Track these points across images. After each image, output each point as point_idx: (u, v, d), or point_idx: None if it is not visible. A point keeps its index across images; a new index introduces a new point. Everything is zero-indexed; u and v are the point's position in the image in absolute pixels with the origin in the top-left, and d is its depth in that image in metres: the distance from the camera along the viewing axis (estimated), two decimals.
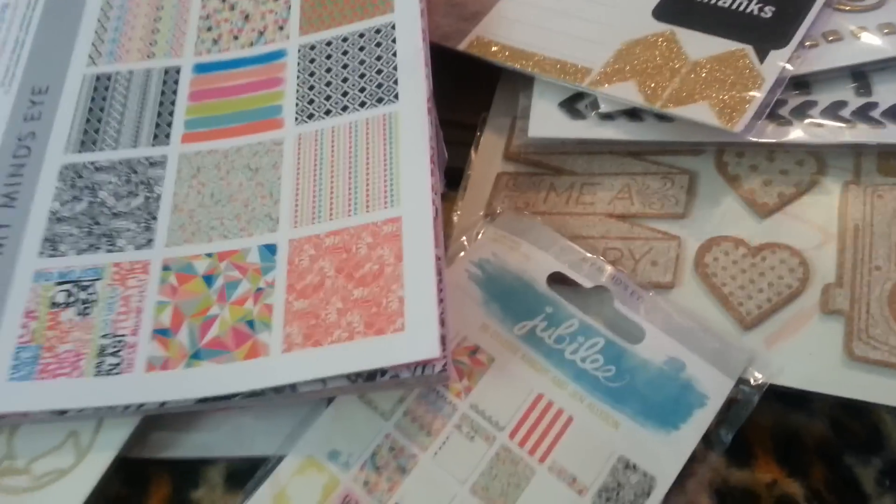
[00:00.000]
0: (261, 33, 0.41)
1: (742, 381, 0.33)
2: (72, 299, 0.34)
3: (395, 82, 0.37)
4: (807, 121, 0.38)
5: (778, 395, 0.33)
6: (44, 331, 0.34)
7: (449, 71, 0.42)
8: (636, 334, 0.34)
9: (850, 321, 0.34)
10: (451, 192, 0.41)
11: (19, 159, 0.38)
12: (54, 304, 0.34)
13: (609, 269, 0.36)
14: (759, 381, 0.33)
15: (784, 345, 0.34)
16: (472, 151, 0.42)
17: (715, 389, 0.32)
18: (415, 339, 0.31)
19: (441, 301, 0.32)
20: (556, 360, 0.33)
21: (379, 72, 0.38)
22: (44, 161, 0.38)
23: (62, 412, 0.32)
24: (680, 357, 0.33)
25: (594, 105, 0.40)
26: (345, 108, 0.38)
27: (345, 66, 0.39)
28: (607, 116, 0.39)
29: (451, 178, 0.40)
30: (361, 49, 0.39)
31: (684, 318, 0.34)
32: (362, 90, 0.38)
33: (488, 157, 0.41)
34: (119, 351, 0.33)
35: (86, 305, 0.34)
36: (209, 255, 0.35)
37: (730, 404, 0.33)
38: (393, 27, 0.39)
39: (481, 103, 0.44)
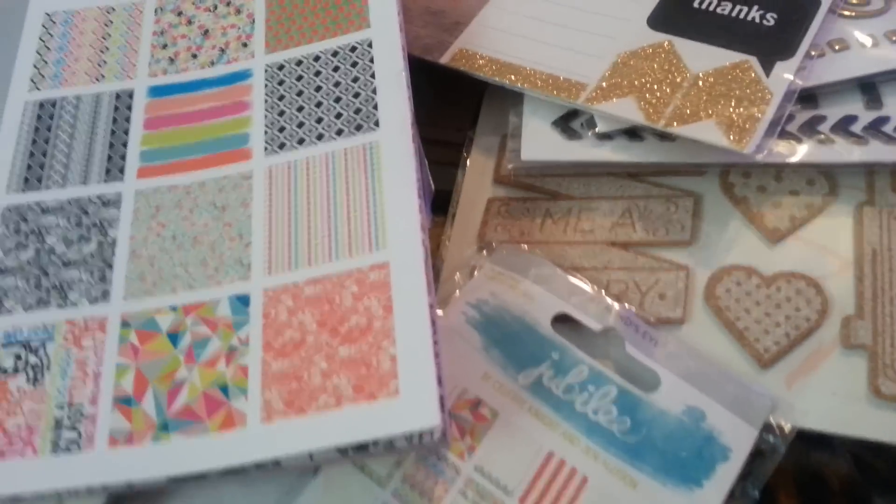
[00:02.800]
0: (222, 51, 0.36)
1: (766, 429, 0.29)
2: (21, 364, 0.29)
3: (375, 107, 0.33)
4: (816, 137, 0.34)
5: (798, 434, 0.30)
6: None
7: (430, 83, 0.38)
8: (650, 381, 0.30)
9: (874, 356, 0.31)
10: (437, 217, 0.37)
11: None
12: (2, 371, 0.29)
13: (617, 307, 0.32)
14: (786, 430, 0.29)
15: (805, 383, 0.31)
16: (460, 174, 0.37)
17: (738, 440, 0.29)
18: (411, 406, 0.26)
19: (437, 356, 0.27)
20: (566, 412, 0.29)
21: (356, 95, 0.33)
22: None
23: (16, 498, 0.27)
24: (699, 405, 0.30)
25: (590, 123, 0.36)
26: (320, 137, 0.33)
27: (318, 89, 0.34)
28: (605, 136, 0.35)
29: (437, 200, 0.36)
30: (336, 69, 0.34)
31: (701, 361, 0.31)
32: (338, 116, 0.33)
33: (477, 180, 0.37)
34: (77, 424, 0.28)
35: (36, 371, 0.29)
36: (173, 308, 0.30)
37: (754, 455, 0.29)
38: (370, 45, 0.34)
39: (465, 118, 0.40)
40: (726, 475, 0.28)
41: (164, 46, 0.37)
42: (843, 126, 0.35)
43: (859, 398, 0.30)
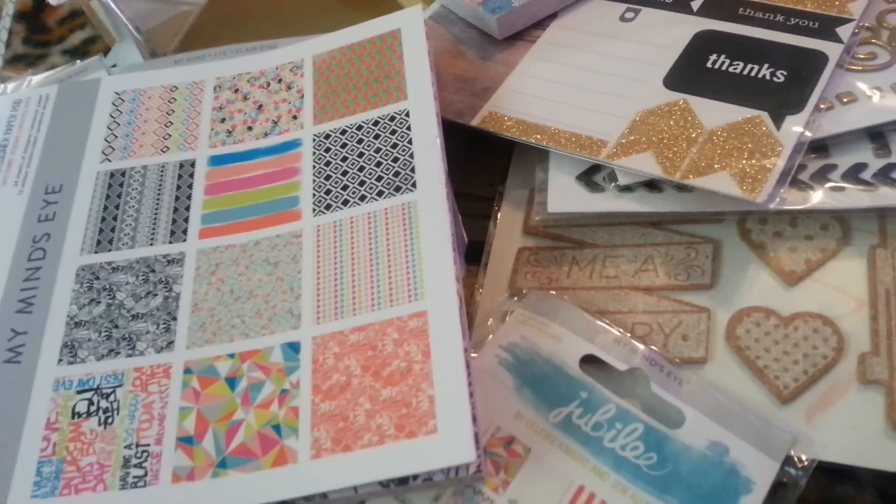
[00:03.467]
0: (275, 123, 0.39)
1: (787, 462, 0.30)
2: (93, 408, 0.32)
3: (412, 170, 0.35)
4: (828, 185, 0.36)
5: (821, 467, 0.31)
6: (65, 443, 0.31)
7: (463, 143, 0.40)
8: (675, 417, 0.32)
9: (891, 391, 0.32)
10: (471, 266, 0.39)
11: (35, 262, 0.36)
12: (76, 414, 0.32)
13: (642, 348, 0.33)
14: (806, 463, 0.30)
15: (824, 418, 0.32)
16: (492, 226, 0.40)
17: (760, 473, 0.30)
18: (449, 442, 0.28)
19: (471, 396, 0.29)
20: (595, 448, 0.31)
21: (395, 160, 0.36)
22: (60, 263, 0.36)
23: None
24: (722, 441, 0.31)
25: (612, 177, 0.38)
26: (363, 198, 0.36)
27: (360, 155, 0.37)
28: (626, 188, 0.37)
29: (470, 250, 0.38)
30: (376, 137, 0.37)
31: (723, 398, 0.32)
32: (379, 179, 0.36)
33: (508, 231, 0.39)
34: (143, 462, 0.30)
35: (107, 414, 0.32)
36: (231, 355, 0.32)
37: (776, 488, 0.30)
38: (407, 114, 0.37)
39: (497, 174, 0.42)
40: None
41: (223, 120, 0.40)
42: (854, 173, 0.36)
43: (877, 432, 0.31)
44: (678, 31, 0.42)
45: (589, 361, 0.33)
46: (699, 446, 0.31)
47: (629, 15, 0.44)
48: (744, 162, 0.35)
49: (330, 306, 0.33)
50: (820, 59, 0.39)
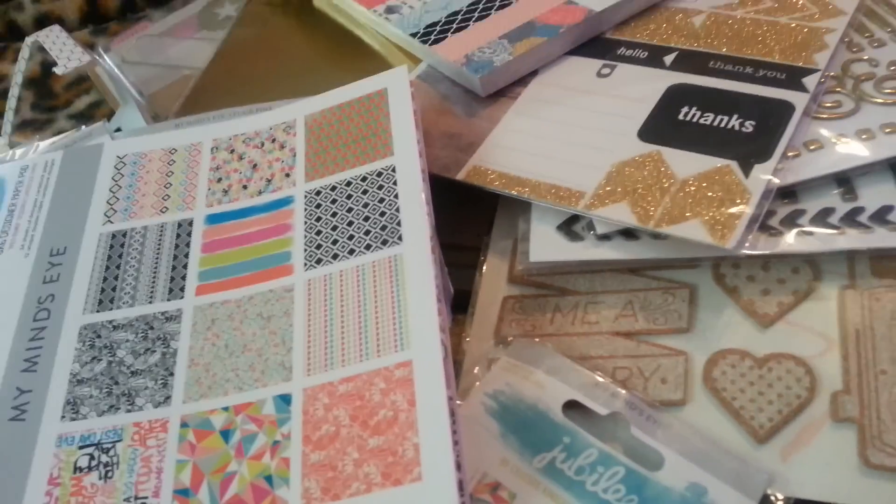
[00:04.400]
0: (268, 181, 0.41)
1: (764, 501, 0.31)
2: (94, 463, 0.33)
3: (399, 224, 0.37)
4: (797, 230, 0.37)
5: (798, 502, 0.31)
6: (67, 497, 0.32)
7: (449, 195, 0.41)
8: (655, 460, 0.32)
9: (862, 428, 0.32)
10: (458, 315, 0.40)
11: (39, 322, 0.37)
12: (77, 469, 0.33)
13: (623, 393, 0.34)
14: (782, 501, 0.31)
15: (799, 456, 0.32)
16: (478, 275, 0.41)
17: None
18: (433, 489, 0.29)
19: (456, 444, 0.30)
20: (578, 492, 0.31)
21: (382, 214, 0.37)
22: (63, 323, 0.37)
23: None
24: (701, 482, 0.31)
25: (590, 226, 0.39)
26: (351, 252, 0.37)
27: (349, 210, 0.38)
28: (604, 237, 0.38)
29: (458, 299, 0.39)
30: (364, 192, 0.38)
31: (701, 440, 0.32)
32: (367, 233, 0.37)
33: (493, 280, 0.40)
34: None
35: (108, 469, 0.32)
36: (225, 408, 0.33)
37: None
38: (393, 170, 0.39)
39: (483, 224, 0.43)
40: None
41: (219, 180, 0.41)
42: (822, 218, 0.37)
43: (850, 468, 0.31)
44: (652, 85, 0.43)
45: (572, 407, 0.34)
46: (679, 488, 0.31)
47: (605, 71, 0.45)
48: (714, 210, 0.36)
49: (320, 358, 0.34)
50: (787, 108, 0.40)
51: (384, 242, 0.36)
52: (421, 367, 0.32)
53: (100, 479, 0.32)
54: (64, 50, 0.51)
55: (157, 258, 0.39)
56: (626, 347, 0.36)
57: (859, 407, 0.33)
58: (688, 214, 0.36)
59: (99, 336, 0.36)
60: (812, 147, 0.39)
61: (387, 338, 0.33)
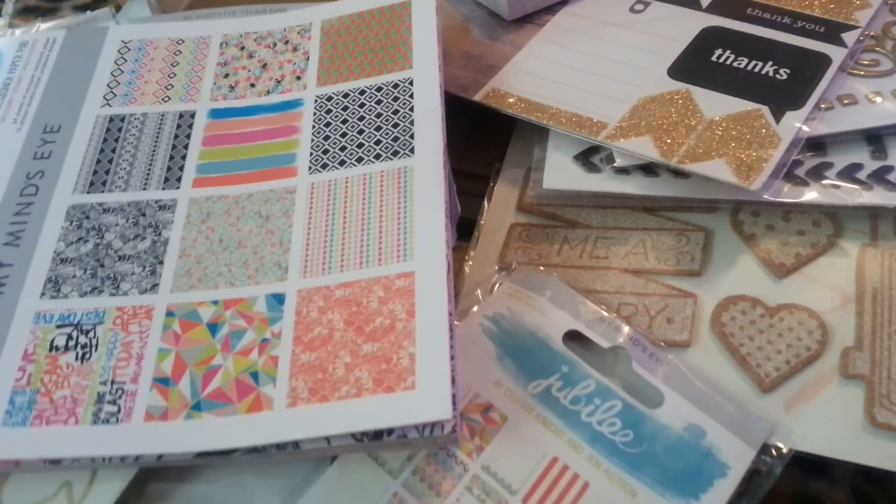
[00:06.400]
0: (278, 82, 0.38)
1: (764, 451, 0.29)
2: (72, 343, 0.31)
3: (412, 137, 0.35)
4: (823, 182, 0.35)
5: (798, 462, 0.30)
6: (41, 375, 0.30)
7: (463, 120, 0.39)
8: (655, 398, 0.31)
9: (871, 386, 0.31)
10: (462, 242, 0.38)
11: (27, 198, 0.35)
12: (54, 348, 0.31)
13: (626, 329, 0.32)
14: (783, 452, 0.29)
15: (804, 409, 0.31)
16: (486, 201, 0.39)
17: (736, 459, 0.29)
18: (426, 399, 0.27)
19: (452, 358, 0.28)
20: (572, 421, 0.30)
21: (395, 125, 0.35)
22: (51, 200, 0.35)
23: (56, 461, 0.29)
24: (700, 424, 0.30)
25: (609, 159, 0.37)
26: (359, 160, 0.35)
27: (361, 119, 0.36)
28: (622, 171, 0.36)
29: (463, 229, 0.37)
30: (378, 102, 0.36)
31: (704, 383, 0.31)
32: (378, 143, 0.35)
33: (501, 207, 0.38)
34: (118, 399, 0.29)
35: (85, 350, 0.31)
36: (215, 302, 0.31)
37: (751, 475, 0.29)
38: (411, 83, 0.36)
39: (495, 154, 0.41)
40: (723, 491, 0.28)
41: (226, 76, 0.39)
42: (849, 172, 0.35)
43: (855, 426, 0.30)
44: (686, 25, 0.41)
45: (573, 338, 0.32)
46: (676, 427, 0.30)
47: (639, 7, 0.43)
48: (741, 151, 0.35)
49: (318, 261, 0.32)
50: (823, 60, 0.38)
51: (395, 153, 0.34)
52: (423, 279, 0.30)
53: (76, 359, 0.30)
54: None
55: (154, 146, 0.37)
56: (633, 284, 0.35)
57: (870, 364, 0.31)
58: (713, 153, 0.35)
59: (87, 217, 0.34)
60: (846, 102, 0.37)
61: (390, 247, 0.32)
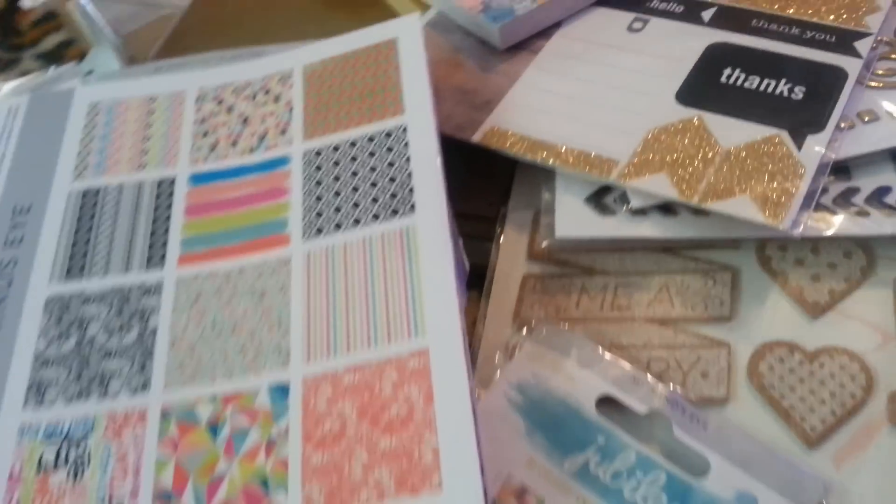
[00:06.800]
0: (261, 138, 0.36)
1: None
2: (62, 459, 0.28)
3: (411, 191, 0.32)
4: (851, 209, 0.33)
5: None
6: (31, 498, 0.27)
7: (462, 158, 0.37)
8: (699, 465, 0.28)
9: None
10: (471, 292, 0.35)
11: (0, 291, 0.32)
12: (42, 466, 0.28)
13: (662, 388, 0.30)
14: None
15: (854, 462, 0.29)
16: (494, 250, 0.36)
17: None
18: (455, 500, 0.25)
19: (478, 445, 0.26)
20: (615, 501, 0.28)
21: (392, 179, 0.33)
22: (27, 292, 0.32)
23: None
24: (750, 490, 0.27)
25: (623, 199, 0.34)
26: (357, 221, 0.32)
27: (354, 174, 0.33)
28: (639, 211, 0.34)
29: (470, 275, 0.35)
30: (371, 154, 0.34)
31: (750, 444, 0.29)
32: (375, 200, 0.32)
33: (511, 257, 0.36)
34: None
35: (78, 466, 0.28)
36: (213, 398, 0.29)
37: None
38: (404, 130, 0.34)
39: (497, 191, 0.38)
40: None
41: (205, 134, 0.36)
42: (878, 197, 0.33)
43: None
44: (689, 42, 0.39)
45: (606, 402, 0.30)
46: (726, 496, 0.27)
47: (637, 25, 0.40)
48: (765, 185, 0.32)
49: (322, 342, 0.29)
50: (839, 74, 0.36)
51: (394, 212, 0.32)
52: (438, 356, 0.28)
53: (68, 478, 0.28)
54: None
55: (133, 221, 0.34)
56: (661, 336, 0.32)
57: None
58: (736, 189, 0.32)
59: (67, 309, 0.32)
60: (867, 119, 0.35)
61: (399, 321, 0.29)
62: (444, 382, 0.27)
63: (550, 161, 0.35)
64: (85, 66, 0.46)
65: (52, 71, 0.43)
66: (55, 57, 0.53)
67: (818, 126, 0.34)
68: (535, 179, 0.37)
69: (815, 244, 0.33)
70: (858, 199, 0.33)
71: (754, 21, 0.39)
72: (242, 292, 0.31)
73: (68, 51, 0.53)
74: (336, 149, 0.34)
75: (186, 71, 0.39)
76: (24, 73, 0.52)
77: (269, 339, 0.30)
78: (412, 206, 0.32)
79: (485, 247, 0.37)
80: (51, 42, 0.54)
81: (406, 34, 0.37)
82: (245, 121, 0.36)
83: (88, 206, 0.34)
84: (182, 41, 0.45)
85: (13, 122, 0.38)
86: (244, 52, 0.41)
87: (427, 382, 0.27)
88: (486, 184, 0.39)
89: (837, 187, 0.34)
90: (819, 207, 0.33)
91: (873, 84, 0.36)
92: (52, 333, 0.31)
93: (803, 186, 0.32)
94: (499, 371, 0.31)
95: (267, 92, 0.37)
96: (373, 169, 0.33)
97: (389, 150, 0.34)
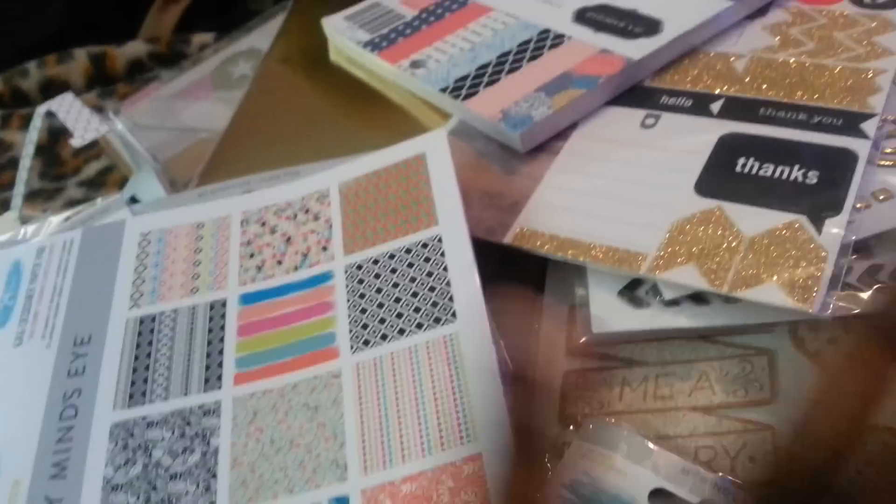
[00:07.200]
0: (304, 256, 0.38)
1: None
2: None
3: (451, 299, 0.33)
4: (876, 286, 0.34)
5: None
6: None
7: (491, 257, 0.38)
8: None
9: None
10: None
11: (66, 421, 0.34)
12: None
13: (711, 476, 0.30)
14: None
15: None
16: (533, 345, 0.37)
17: None
18: None
19: None
20: None
21: (432, 289, 0.34)
22: (93, 421, 0.34)
23: None
24: None
25: (655, 290, 0.36)
26: (401, 331, 0.33)
27: (395, 286, 0.35)
28: (672, 302, 0.35)
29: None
30: (410, 266, 0.35)
31: None
32: (417, 310, 0.34)
33: (550, 354, 0.37)
34: None
35: None
36: None
37: None
38: (440, 240, 0.35)
39: (528, 285, 0.40)
40: None
41: (252, 255, 0.38)
42: None
43: None
44: (701, 135, 0.41)
45: (657, 495, 0.31)
46: None
47: (649, 121, 0.42)
48: (790, 270, 0.33)
49: (377, 454, 0.30)
50: (850, 157, 0.38)
51: (437, 320, 0.33)
52: (492, 462, 0.29)
53: None
54: (79, 119, 0.48)
55: (189, 343, 0.36)
56: (706, 424, 0.33)
57: None
58: (763, 276, 0.33)
59: (132, 435, 0.33)
60: (882, 197, 0.36)
61: (450, 428, 0.30)
62: (500, 487, 0.28)
63: (581, 258, 0.37)
64: (127, 192, 0.49)
65: (100, 202, 0.45)
66: (97, 183, 0.56)
67: (835, 209, 0.35)
68: (567, 273, 0.39)
69: (846, 322, 0.34)
70: (882, 275, 0.34)
71: (762, 110, 0.41)
72: (297, 407, 0.32)
73: (110, 177, 0.56)
74: (376, 262, 0.36)
75: (230, 196, 0.41)
76: (68, 202, 0.54)
77: (325, 453, 0.31)
78: (454, 314, 0.33)
79: (522, 341, 0.38)
80: (92, 169, 0.57)
81: (434, 148, 0.39)
82: (288, 240, 0.38)
83: (146, 332, 0.36)
84: (221, 163, 0.48)
85: (68, 257, 0.40)
86: (281, 172, 0.43)
87: (483, 488, 0.28)
88: (518, 279, 0.40)
89: (861, 265, 0.35)
90: (846, 287, 0.34)
91: (883, 163, 0.38)
92: (118, 460, 0.32)
93: (828, 269, 0.33)
94: (549, 472, 0.32)
95: (307, 211, 0.39)
96: (412, 279, 0.35)
97: (427, 260, 0.35)
